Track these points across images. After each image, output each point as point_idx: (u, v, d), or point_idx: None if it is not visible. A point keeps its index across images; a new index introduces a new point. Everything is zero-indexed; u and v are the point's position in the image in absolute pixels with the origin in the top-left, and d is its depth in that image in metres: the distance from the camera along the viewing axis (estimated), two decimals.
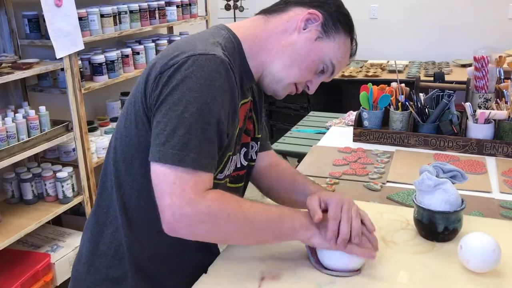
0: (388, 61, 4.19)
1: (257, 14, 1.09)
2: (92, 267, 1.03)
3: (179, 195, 0.85)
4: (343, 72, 4.00)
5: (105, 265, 1.02)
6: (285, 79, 1.03)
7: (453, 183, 1.05)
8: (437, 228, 1.01)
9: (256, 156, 1.18)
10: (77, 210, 2.84)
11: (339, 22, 1.04)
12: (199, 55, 0.89)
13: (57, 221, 2.84)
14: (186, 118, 0.86)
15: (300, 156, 1.79)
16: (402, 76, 3.64)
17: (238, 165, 1.11)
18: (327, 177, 1.61)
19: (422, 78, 3.53)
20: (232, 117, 0.94)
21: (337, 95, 4.15)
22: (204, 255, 1.04)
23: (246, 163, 1.14)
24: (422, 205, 1.03)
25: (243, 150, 1.12)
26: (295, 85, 1.05)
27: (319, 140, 2.05)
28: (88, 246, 1.05)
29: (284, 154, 2.32)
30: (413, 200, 1.07)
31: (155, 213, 0.88)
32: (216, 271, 0.97)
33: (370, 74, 3.85)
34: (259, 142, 1.18)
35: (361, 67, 4.13)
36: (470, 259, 0.91)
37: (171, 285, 1.04)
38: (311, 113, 2.96)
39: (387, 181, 1.57)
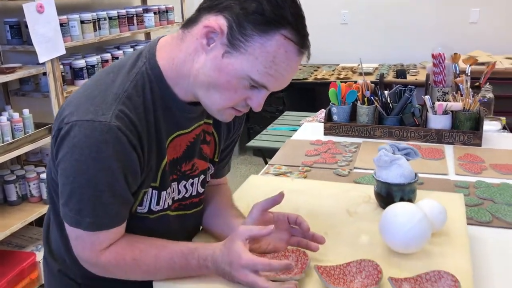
0: (358, 64, 4.36)
1: (180, 27, 0.94)
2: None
3: (81, 251, 0.91)
4: (316, 75, 4.16)
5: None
6: (212, 106, 0.91)
7: (407, 159, 1.19)
8: (394, 199, 1.15)
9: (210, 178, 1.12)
10: None
11: (250, 23, 0.82)
12: (86, 121, 0.84)
13: (40, 222, 2.90)
14: (76, 188, 0.86)
15: (274, 152, 1.92)
16: (372, 78, 3.82)
17: (194, 193, 1.06)
18: (299, 166, 1.74)
19: (391, 79, 3.71)
20: (142, 168, 0.90)
21: (310, 97, 4.30)
22: None
23: (203, 190, 1.08)
24: (380, 179, 1.17)
25: (201, 177, 1.06)
26: (233, 107, 0.91)
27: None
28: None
29: (260, 150, 2.44)
30: (373, 176, 1.21)
31: None
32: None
33: (341, 76, 4.02)
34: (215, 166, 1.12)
35: (333, 70, 4.30)
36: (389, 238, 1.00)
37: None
38: (286, 113, 3.10)
39: (354, 168, 1.71)
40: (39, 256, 2.49)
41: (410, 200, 1.16)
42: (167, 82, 0.92)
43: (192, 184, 1.05)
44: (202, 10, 0.89)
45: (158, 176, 0.96)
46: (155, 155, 0.94)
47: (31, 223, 2.74)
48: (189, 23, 0.91)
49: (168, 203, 1.00)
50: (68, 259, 1.02)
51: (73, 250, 0.93)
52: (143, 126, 0.90)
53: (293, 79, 3.61)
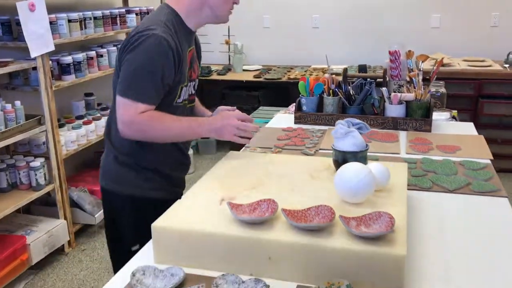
0: (329, 66, 4.63)
1: None
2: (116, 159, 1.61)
3: (125, 114, 1.43)
4: (289, 75, 4.41)
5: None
6: (222, 13, 1.57)
7: (360, 132, 1.43)
8: None
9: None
10: (46, 200, 3.07)
11: None
12: (147, 34, 1.42)
13: (27, 211, 3.06)
14: (132, 71, 1.43)
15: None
16: (340, 78, 4.07)
17: (191, 93, 1.63)
18: (272, 148, 1.97)
19: (354, 73, 3.97)
20: (177, 65, 1.47)
21: (284, 95, 4.53)
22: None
23: (193, 91, 1.66)
24: (337, 148, 1.40)
25: (192, 83, 1.63)
26: (230, 9, 1.57)
27: None
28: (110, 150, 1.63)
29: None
30: (331, 146, 1.44)
31: None
32: (187, 199, 1.29)
33: (313, 76, 4.27)
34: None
35: (305, 71, 4.56)
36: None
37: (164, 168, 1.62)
38: (261, 107, 3.33)
39: (320, 149, 1.95)
40: (29, 239, 2.65)
41: None
42: (181, 17, 1.53)
43: (194, 86, 1.64)
44: None
45: (186, 77, 1.54)
46: (183, 63, 1.50)
47: (18, 211, 2.90)
48: None
49: (186, 97, 1.59)
50: (123, 146, 1.56)
51: (118, 116, 1.45)
52: (175, 41, 1.47)
53: (267, 79, 3.96)
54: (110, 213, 1.69)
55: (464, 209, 1.44)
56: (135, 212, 1.58)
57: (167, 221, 1.17)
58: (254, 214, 1.16)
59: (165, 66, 1.44)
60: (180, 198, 1.30)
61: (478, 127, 4.09)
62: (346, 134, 1.39)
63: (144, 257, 1.20)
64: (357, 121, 1.44)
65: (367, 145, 1.42)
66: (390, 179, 1.32)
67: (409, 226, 1.30)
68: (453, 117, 2.46)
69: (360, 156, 1.39)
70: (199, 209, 1.22)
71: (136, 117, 1.42)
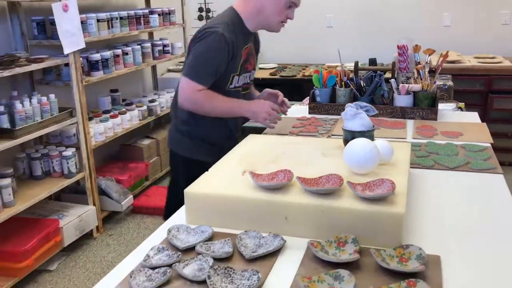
0: (342, 64, 4.79)
1: None
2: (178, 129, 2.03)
3: (186, 91, 1.83)
4: (304, 73, 4.58)
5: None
6: (274, 22, 1.92)
7: (367, 114, 1.59)
8: None
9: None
10: (75, 189, 3.28)
11: None
12: (211, 30, 1.80)
13: (57, 199, 3.27)
14: (195, 57, 1.82)
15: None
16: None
17: (246, 82, 2.01)
18: (287, 134, 2.13)
19: (365, 66, 4.11)
20: (230, 57, 1.84)
21: (299, 91, 4.68)
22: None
23: (249, 81, 2.04)
24: (347, 128, 1.57)
25: (248, 73, 2.00)
26: (282, 21, 1.92)
27: None
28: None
29: (255, 129, 2.83)
30: (342, 128, 1.60)
31: None
32: (214, 170, 1.46)
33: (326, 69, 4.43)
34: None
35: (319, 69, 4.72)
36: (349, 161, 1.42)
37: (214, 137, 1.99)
38: None
39: (332, 135, 2.11)
40: (62, 223, 2.85)
41: None
42: (242, 19, 1.90)
43: (249, 77, 2.02)
44: None
45: (238, 68, 1.91)
46: (237, 57, 1.88)
47: (50, 198, 3.11)
48: None
49: (240, 85, 1.96)
50: (181, 117, 1.97)
51: (180, 91, 1.85)
52: (233, 38, 1.83)
53: (283, 76, 4.14)
54: (172, 169, 2.17)
55: (461, 184, 1.59)
56: (187, 170, 1.89)
57: (198, 187, 1.34)
58: (272, 181, 1.32)
59: (219, 57, 1.81)
60: None
61: (488, 122, 4.22)
62: (354, 115, 1.56)
63: (177, 218, 1.38)
64: (365, 104, 1.61)
65: (374, 125, 1.58)
66: (393, 155, 1.48)
67: (410, 197, 1.46)
68: (459, 108, 2.59)
69: (367, 135, 1.55)
70: (225, 179, 1.39)
71: (194, 93, 1.81)
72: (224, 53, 1.81)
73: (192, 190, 1.33)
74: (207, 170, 1.47)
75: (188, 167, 1.96)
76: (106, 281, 1.11)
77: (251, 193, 1.29)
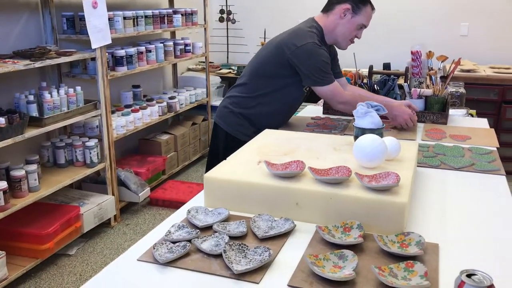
0: (358, 69, 4.87)
1: (321, 11, 2.25)
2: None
3: (338, 96, 2.19)
4: None
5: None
6: (343, 40, 2.24)
7: (378, 114, 1.68)
8: None
9: None
10: (95, 179, 3.41)
11: (360, 3, 2.16)
12: (309, 43, 2.10)
13: (78, 188, 3.41)
14: (314, 65, 2.11)
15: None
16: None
17: None
18: (301, 132, 2.23)
19: (379, 70, 4.19)
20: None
21: (314, 94, 4.79)
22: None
23: None
24: (358, 126, 1.66)
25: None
26: (350, 40, 2.24)
27: None
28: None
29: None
30: (353, 125, 1.70)
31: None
32: (232, 159, 1.57)
33: None
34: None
35: None
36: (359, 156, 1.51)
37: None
38: None
39: (344, 134, 2.20)
40: (82, 209, 2.99)
41: None
42: (324, 32, 2.21)
43: None
44: (333, 3, 2.21)
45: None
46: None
47: (71, 186, 3.25)
48: (327, 10, 2.23)
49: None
50: (238, 99, 2.28)
51: (329, 100, 2.24)
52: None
53: None
54: (213, 140, 2.36)
55: (465, 182, 1.67)
56: (227, 144, 2.21)
57: (216, 173, 1.45)
58: (286, 170, 1.43)
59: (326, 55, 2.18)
60: None
61: (501, 131, 4.26)
62: (365, 113, 1.65)
63: (195, 202, 1.49)
64: (376, 104, 1.70)
65: (383, 123, 1.67)
66: (400, 152, 1.57)
67: (415, 192, 1.55)
68: (470, 115, 2.67)
69: (377, 133, 1.64)
70: (241, 166, 1.50)
71: (344, 95, 2.17)
72: (327, 54, 2.16)
73: (211, 175, 1.44)
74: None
75: (228, 142, 2.23)
76: (129, 253, 1.22)
77: (265, 180, 1.39)
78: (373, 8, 2.23)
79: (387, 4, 4.94)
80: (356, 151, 1.48)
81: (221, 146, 2.29)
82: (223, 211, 1.37)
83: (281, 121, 2.33)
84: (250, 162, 1.53)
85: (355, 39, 2.29)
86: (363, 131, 1.65)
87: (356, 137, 1.68)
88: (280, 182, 1.38)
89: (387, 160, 1.52)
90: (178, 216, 1.40)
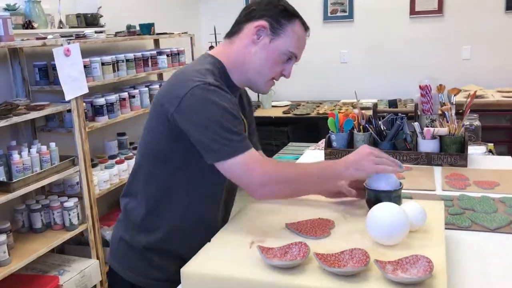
0: (358, 100, 4.61)
1: (224, 38, 1.43)
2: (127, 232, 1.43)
3: (251, 172, 1.25)
4: (319, 110, 4.41)
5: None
6: (261, 80, 1.39)
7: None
8: None
9: None
10: (79, 240, 3.10)
11: (282, 18, 1.34)
12: (197, 85, 1.24)
13: (60, 251, 3.09)
14: (210, 119, 1.23)
15: None
16: (369, 112, 4.04)
17: None
18: None
19: (384, 108, 3.93)
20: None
21: (313, 130, 4.52)
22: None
23: None
24: (370, 187, 1.37)
25: None
26: (272, 78, 1.40)
27: None
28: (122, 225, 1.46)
29: None
30: (364, 185, 1.40)
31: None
32: (217, 240, 1.27)
33: (342, 111, 4.25)
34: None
35: (334, 106, 4.55)
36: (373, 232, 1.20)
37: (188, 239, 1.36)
38: (290, 143, 3.32)
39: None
40: (62, 280, 2.66)
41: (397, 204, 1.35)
42: (227, 71, 1.38)
43: None
44: (241, 23, 1.38)
45: None
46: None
47: (52, 250, 2.93)
48: (232, 34, 1.40)
49: None
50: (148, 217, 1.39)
51: (243, 182, 1.27)
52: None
53: (296, 114, 3.92)
54: None
55: (507, 250, 1.36)
56: None
57: (196, 266, 1.15)
58: (285, 258, 1.12)
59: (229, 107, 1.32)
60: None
61: None
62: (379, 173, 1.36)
63: None
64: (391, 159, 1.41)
65: (401, 183, 1.38)
66: (426, 219, 1.27)
67: (449, 269, 1.24)
68: (490, 151, 2.38)
69: (394, 196, 1.35)
70: (229, 253, 1.20)
71: (266, 168, 1.26)
72: (229, 101, 1.30)
73: (190, 269, 1.14)
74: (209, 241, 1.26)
75: None
76: None
77: (260, 273, 1.09)
78: (306, 28, 1.39)
79: (382, 33, 4.72)
80: (371, 228, 1.18)
81: None
82: None
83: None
84: (240, 244, 1.23)
85: (281, 77, 1.43)
86: (377, 194, 1.36)
87: (368, 202, 1.39)
88: (279, 275, 1.08)
89: (410, 231, 1.22)
90: None
